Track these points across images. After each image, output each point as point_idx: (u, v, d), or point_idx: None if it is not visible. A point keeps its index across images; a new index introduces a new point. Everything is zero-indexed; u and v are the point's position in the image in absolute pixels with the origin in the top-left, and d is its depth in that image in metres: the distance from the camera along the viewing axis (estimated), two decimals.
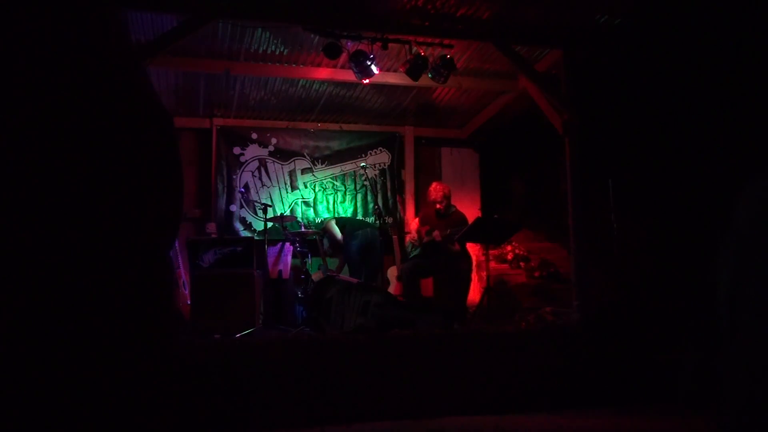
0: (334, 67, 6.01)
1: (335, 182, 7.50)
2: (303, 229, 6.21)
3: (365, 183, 7.49)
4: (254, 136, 7.32)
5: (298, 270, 5.81)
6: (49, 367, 0.81)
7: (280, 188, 7.36)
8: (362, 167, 7.11)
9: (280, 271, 5.81)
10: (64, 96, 0.83)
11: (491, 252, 6.72)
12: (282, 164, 7.39)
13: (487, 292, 5.67)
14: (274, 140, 7.37)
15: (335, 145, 7.56)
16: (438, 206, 6.07)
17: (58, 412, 0.81)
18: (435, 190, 6.13)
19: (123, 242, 0.87)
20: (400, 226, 7.49)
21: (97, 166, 0.85)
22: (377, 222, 6.81)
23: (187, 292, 5.42)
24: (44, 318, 0.80)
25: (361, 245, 6.28)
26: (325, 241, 6.39)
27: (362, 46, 5.42)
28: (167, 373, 0.98)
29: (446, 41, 5.54)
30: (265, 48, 5.71)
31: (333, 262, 6.42)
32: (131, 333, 0.88)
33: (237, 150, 7.24)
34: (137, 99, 0.93)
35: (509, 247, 7.38)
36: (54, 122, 0.82)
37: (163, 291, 0.96)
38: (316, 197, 7.44)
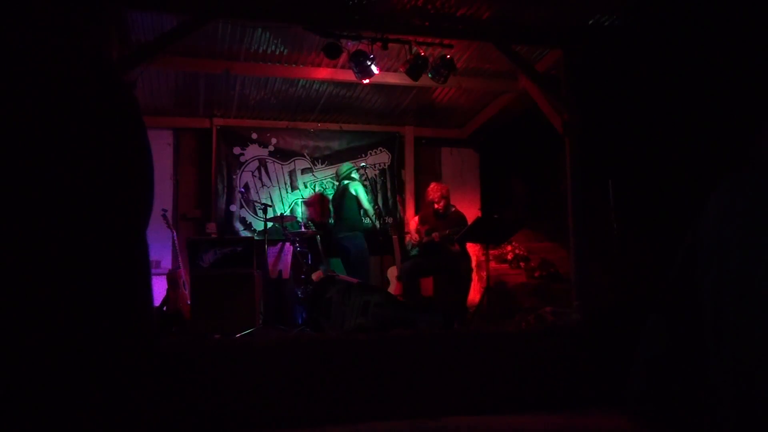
0: (334, 67, 6.01)
1: (335, 182, 7.49)
2: (303, 229, 6.21)
3: (365, 183, 7.48)
4: (254, 136, 7.32)
5: (298, 270, 5.82)
6: (27, 365, 0.80)
7: (280, 188, 7.36)
8: (362, 167, 7.11)
9: (280, 271, 5.81)
10: (20, 84, 0.83)
11: (491, 252, 6.71)
12: (282, 164, 7.39)
13: (487, 292, 5.67)
14: (274, 140, 7.37)
15: (335, 145, 7.56)
16: (436, 206, 6.07)
17: (42, 412, 0.81)
18: (433, 190, 6.14)
19: (93, 229, 0.86)
20: (400, 226, 7.48)
21: (60, 152, 0.85)
22: (377, 222, 6.81)
23: (187, 292, 5.42)
24: (17, 314, 0.80)
25: (349, 261, 6.22)
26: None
27: (362, 46, 5.42)
28: (151, 366, 0.98)
29: (446, 41, 5.54)
30: (265, 48, 5.71)
31: (334, 264, 6.41)
32: (110, 324, 0.88)
33: (237, 150, 7.24)
34: (95, 79, 0.92)
35: (509, 247, 7.38)
36: (12, 111, 0.82)
37: (142, 275, 0.95)
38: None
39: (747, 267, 1.19)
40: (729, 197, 1.31)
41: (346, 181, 6.49)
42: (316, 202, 6.62)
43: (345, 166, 6.66)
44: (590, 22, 5.25)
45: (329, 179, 7.50)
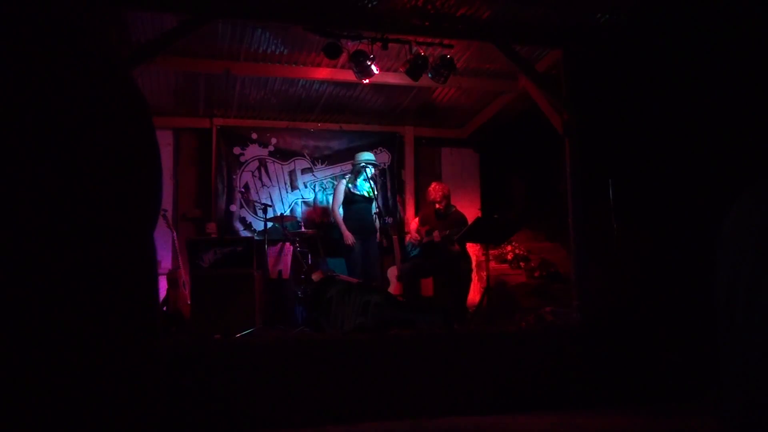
0: (334, 67, 6.01)
1: (335, 182, 7.49)
2: (303, 229, 6.21)
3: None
4: (254, 136, 7.32)
5: (298, 270, 5.81)
6: (30, 365, 0.80)
7: (280, 188, 7.36)
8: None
9: (280, 271, 5.81)
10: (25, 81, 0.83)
11: (491, 252, 6.72)
12: (282, 164, 7.39)
13: (487, 292, 5.67)
14: (274, 140, 7.37)
15: (335, 145, 7.56)
16: (437, 206, 6.07)
17: (43, 414, 0.81)
18: (434, 190, 6.13)
19: (101, 229, 0.86)
20: (400, 226, 7.49)
21: (68, 150, 0.85)
22: (377, 221, 6.81)
23: (187, 292, 5.42)
24: (21, 313, 0.80)
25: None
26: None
27: (362, 46, 5.42)
28: (157, 366, 0.98)
29: (446, 41, 5.54)
30: (265, 48, 5.71)
31: (334, 263, 6.40)
32: (115, 327, 0.88)
33: (237, 150, 7.24)
34: (103, 75, 0.92)
35: (509, 247, 7.38)
36: (17, 108, 0.82)
37: (147, 279, 0.95)
38: (316, 197, 7.44)
39: (758, 276, 1.21)
40: (749, 206, 1.32)
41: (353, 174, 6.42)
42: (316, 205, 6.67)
43: (365, 155, 6.47)
44: (590, 21, 5.25)
45: (329, 179, 7.50)
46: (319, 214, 7.22)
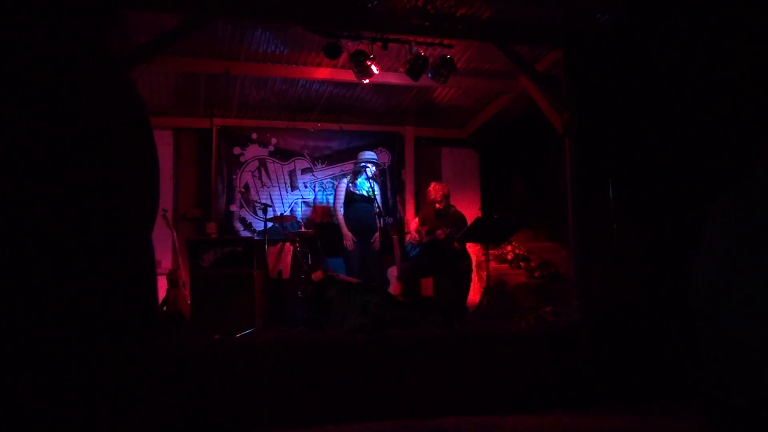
0: (334, 67, 6.01)
1: (335, 182, 7.49)
2: (303, 229, 6.21)
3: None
4: (254, 136, 7.32)
5: (298, 270, 5.81)
6: (30, 364, 0.80)
7: (280, 188, 7.36)
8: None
9: (280, 271, 5.81)
10: (27, 82, 0.83)
11: (491, 252, 6.71)
12: (282, 164, 7.39)
13: (487, 292, 5.67)
14: (274, 140, 7.37)
15: (335, 145, 7.56)
16: (437, 206, 6.07)
17: (41, 414, 0.81)
18: (434, 189, 6.13)
19: (100, 230, 0.86)
20: (400, 226, 7.49)
21: (67, 151, 0.84)
22: (378, 221, 6.81)
23: (187, 292, 5.41)
24: (21, 313, 0.79)
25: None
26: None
27: (362, 46, 5.42)
28: (154, 367, 0.98)
29: (446, 41, 5.55)
30: (265, 48, 5.72)
31: (334, 263, 6.40)
32: (115, 326, 0.88)
33: (237, 150, 7.24)
34: (103, 80, 0.92)
35: (509, 247, 7.37)
36: (19, 110, 0.82)
37: (146, 278, 0.95)
38: (316, 197, 7.44)
39: (734, 275, 1.21)
40: (726, 208, 1.32)
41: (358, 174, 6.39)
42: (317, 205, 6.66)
43: (366, 154, 6.46)
44: (590, 21, 5.25)
45: (329, 179, 7.50)
46: (319, 214, 7.23)
